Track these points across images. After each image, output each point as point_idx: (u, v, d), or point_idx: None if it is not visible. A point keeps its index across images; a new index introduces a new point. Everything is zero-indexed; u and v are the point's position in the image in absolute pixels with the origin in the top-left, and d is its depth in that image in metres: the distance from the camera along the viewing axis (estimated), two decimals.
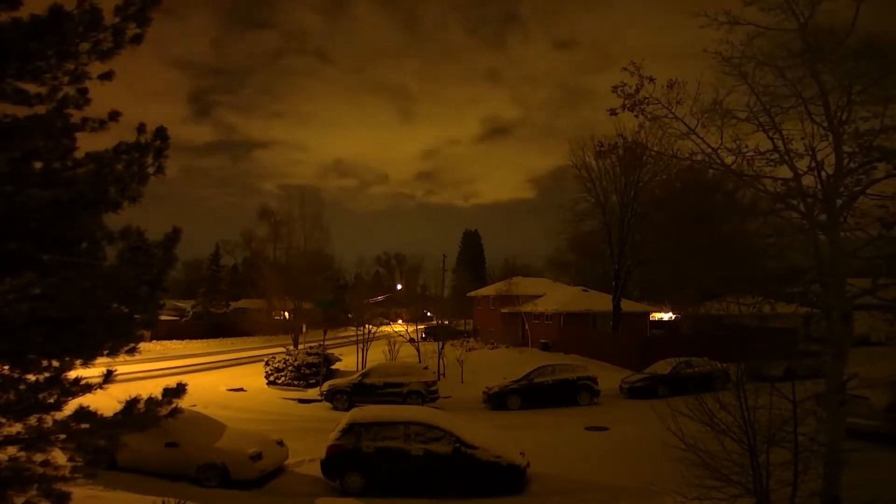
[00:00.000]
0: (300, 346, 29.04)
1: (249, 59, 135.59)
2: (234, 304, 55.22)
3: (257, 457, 11.01)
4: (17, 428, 4.96)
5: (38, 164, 5.14)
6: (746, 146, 7.22)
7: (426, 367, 23.59)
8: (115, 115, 5.46)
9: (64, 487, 5.15)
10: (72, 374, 5.20)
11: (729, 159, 7.37)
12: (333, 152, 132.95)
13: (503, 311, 41.43)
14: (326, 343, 26.98)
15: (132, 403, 5.53)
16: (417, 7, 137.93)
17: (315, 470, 11.27)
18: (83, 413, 5.13)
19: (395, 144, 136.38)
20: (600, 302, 36.01)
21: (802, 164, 6.98)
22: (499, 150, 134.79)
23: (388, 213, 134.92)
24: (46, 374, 5.07)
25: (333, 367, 26.51)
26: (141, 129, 5.50)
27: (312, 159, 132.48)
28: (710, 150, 7.38)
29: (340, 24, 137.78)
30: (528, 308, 38.81)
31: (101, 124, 5.44)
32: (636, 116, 7.51)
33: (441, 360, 26.49)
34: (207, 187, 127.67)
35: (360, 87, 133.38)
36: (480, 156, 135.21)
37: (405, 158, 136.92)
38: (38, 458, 5.04)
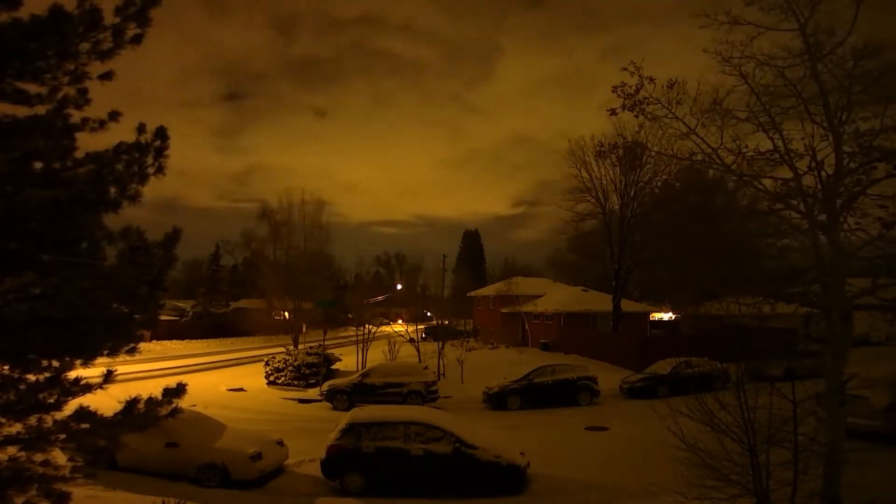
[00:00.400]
0: (300, 346, 29.02)
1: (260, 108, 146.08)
2: (234, 304, 55.17)
3: (257, 457, 11.01)
4: (17, 428, 4.96)
5: (38, 164, 5.15)
6: (746, 146, 7.23)
7: (426, 367, 23.59)
8: (115, 115, 5.46)
9: (64, 487, 5.15)
10: (72, 374, 5.20)
11: (729, 159, 7.38)
12: (342, 179, 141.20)
13: (503, 311, 41.43)
14: (326, 343, 26.98)
15: (132, 403, 5.53)
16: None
17: (315, 470, 11.27)
18: (83, 413, 5.13)
19: (387, 175, 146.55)
20: (600, 302, 36.01)
21: (802, 164, 6.99)
22: (477, 173, 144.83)
23: (387, 223, 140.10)
24: (46, 374, 5.08)
25: (333, 367, 26.50)
26: (141, 129, 5.50)
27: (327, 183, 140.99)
28: (710, 150, 7.38)
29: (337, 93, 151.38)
30: (528, 308, 38.80)
31: (101, 124, 5.43)
32: (636, 116, 7.52)
33: (441, 360, 26.49)
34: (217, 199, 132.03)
35: (353, 133, 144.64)
36: (462, 178, 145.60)
37: (397, 182, 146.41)
38: (38, 458, 5.04)
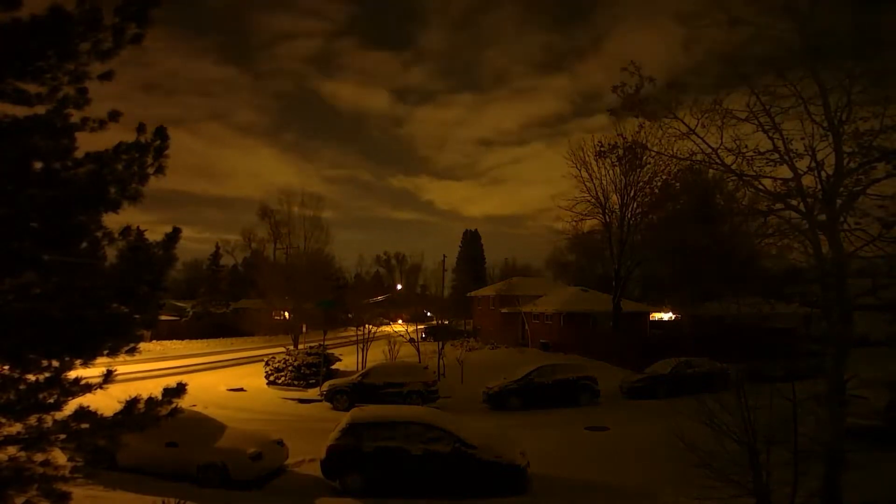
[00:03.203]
0: (300, 346, 29.03)
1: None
2: (234, 304, 55.16)
3: (257, 457, 11.01)
4: (17, 428, 4.95)
5: (38, 164, 5.14)
6: (746, 146, 7.24)
7: (426, 367, 23.54)
8: (115, 115, 5.45)
9: (64, 487, 5.14)
10: (72, 374, 5.19)
11: (729, 159, 7.39)
12: None
13: (503, 311, 41.44)
14: (326, 343, 26.97)
15: (132, 403, 5.52)
16: None
17: (315, 470, 11.26)
18: (83, 413, 5.12)
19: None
20: (600, 302, 36.01)
21: (802, 164, 7.00)
22: None
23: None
24: (46, 374, 5.06)
25: (333, 367, 26.49)
26: (141, 128, 5.50)
27: None
28: (710, 150, 7.39)
29: None
30: (527, 308, 38.80)
31: (101, 124, 5.42)
32: (636, 116, 7.53)
33: (441, 360, 26.48)
34: None
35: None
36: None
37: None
38: (38, 458, 5.03)
